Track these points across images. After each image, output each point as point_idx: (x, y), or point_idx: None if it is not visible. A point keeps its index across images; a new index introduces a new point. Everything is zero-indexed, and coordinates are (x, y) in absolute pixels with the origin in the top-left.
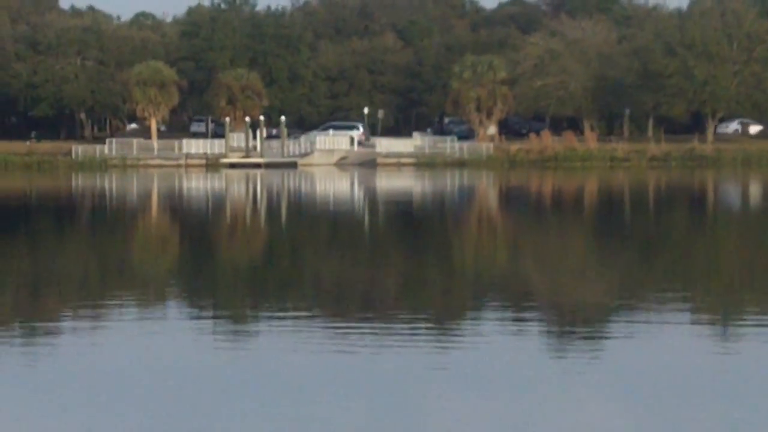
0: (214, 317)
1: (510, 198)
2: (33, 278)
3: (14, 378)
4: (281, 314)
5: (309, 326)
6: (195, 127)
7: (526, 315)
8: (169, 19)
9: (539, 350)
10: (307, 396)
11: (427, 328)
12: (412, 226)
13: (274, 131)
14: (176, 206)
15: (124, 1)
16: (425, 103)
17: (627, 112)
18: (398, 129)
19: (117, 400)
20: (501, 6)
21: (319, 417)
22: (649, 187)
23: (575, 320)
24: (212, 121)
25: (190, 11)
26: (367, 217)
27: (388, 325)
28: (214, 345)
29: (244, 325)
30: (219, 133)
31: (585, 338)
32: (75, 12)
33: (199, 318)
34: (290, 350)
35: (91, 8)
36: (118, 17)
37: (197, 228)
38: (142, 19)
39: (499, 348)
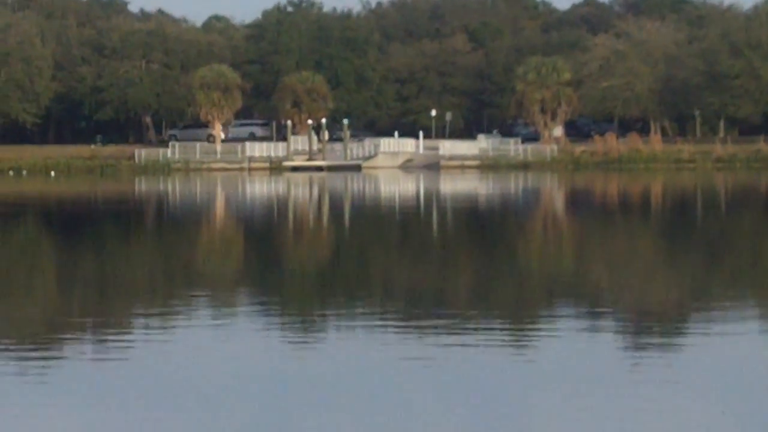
0: (285, 320)
1: (575, 200)
2: (101, 283)
3: (86, 385)
4: (354, 316)
5: (383, 328)
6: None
7: (600, 318)
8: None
9: (615, 353)
10: (392, 397)
11: (501, 331)
12: (478, 228)
13: (342, 134)
14: (241, 210)
15: (197, 5)
16: (495, 105)
17: (697, 113)
18: (470, 131)
19: (191, 406)
20: (574, 7)
21: (412, 417)
22: (713, 189)
23: (650, 322)
24: (185, 126)
25: (266, 14)
26: (434, 219)
27: (463, 327)
28: (289, 348)
29: (318, 328)
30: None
31: (660, 341)
32: (144, 15)
33: (270, 321)
34: (367, 352)
35: (160, 11)
36: (185, 20)
37: (264, 231)
38: (214, 22)
39: (574, 351)
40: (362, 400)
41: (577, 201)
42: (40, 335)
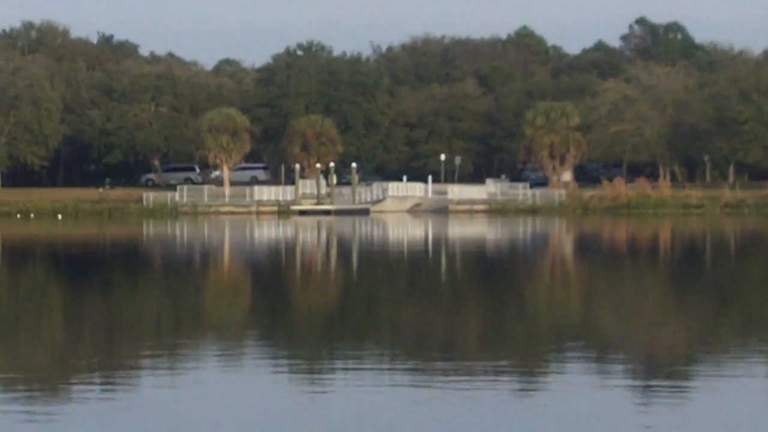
0: (293, 364)
1: (583, 245)
2: (109, 327)
3: (96, 427)
4: (360, 361)
5: (391, 372)
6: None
7: (609, 365)
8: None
9: (623, 402)
10: None
11: (507, 378)
12: (486, 273)
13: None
14: (250, 254)
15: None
16: (505, 149)
17: (707, 158)
18: (479, 175)
19: None
20: (584, 52)
21: None
22: (720, 235)
23: (658, 370)
24: (164, 170)
25: (275, 57)
26: (442, 264)
27: (469, 373)
28: (295, 391)
29: (326, 373)
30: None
31: (669, 389)
32: (154, 59)
33: (277, 365)
34: (376, 396)
35: (170, 54)
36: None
37: (272, 276)
38: (225, 65)
39: (581, 398)
40: None
41: (585, 246)
42: (47, 379)
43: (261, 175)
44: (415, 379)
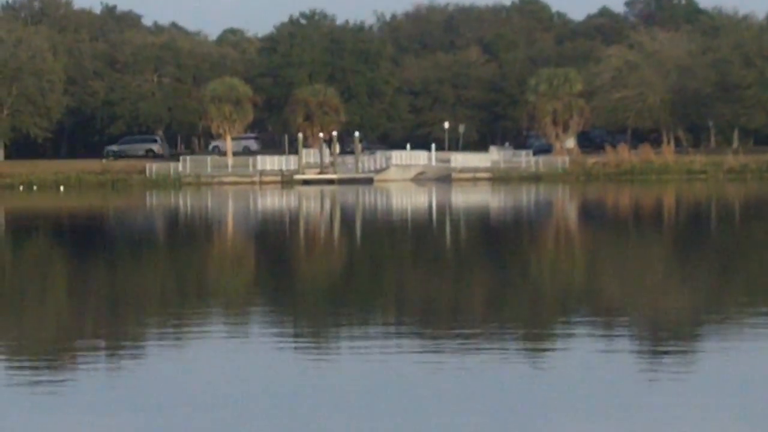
0: (298, 333)
1: (587, 212)
2: (114, 298)
3: (101, 398)
4: (367, 329)
5: (398, 340)
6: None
7: (616, 330)
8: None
9: (632, 365)
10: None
11: (515, 343)
12: (490, 240)
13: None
14: (253, 223)
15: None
16: (509, 117)
17: (711, 123)
18: (484, 143)
19: (206, 420)
20: (588, 18)
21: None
22: (723, 200)
23: (664, 333)
24: (124, 141)
25: (278, 27)
26: (446, 232)
27: (478, 339)
28: (301, 359)
29: (332, 341)
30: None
31: (678, 352)
32: (157, 29)
33: (283, 334)
34: (383, 363)
35: (174, 25)
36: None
37: (276, 245)
38: (229, 35)
39: (590, 364)
40: (378, 411)
41: (589, 213)
42: (51, 350)
43: (253, 145)
44: (422, 346)
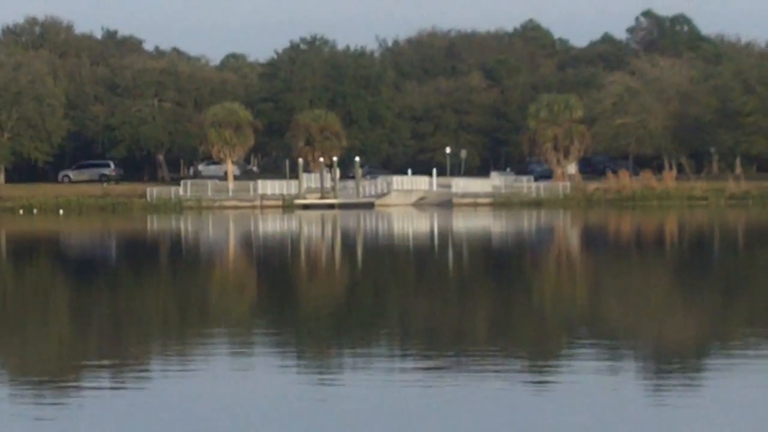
0: (302, 357)
1: (588, 237)
2: (119, 320)
3: (108, 418)
4: (370, 352)
5: (402, 364)
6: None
7: (621, 354)
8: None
9: (638, 389)
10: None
11: (521, 367)
12: (492, 266)
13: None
14: (256, 248)
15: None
16: (511, 142)
17: (713, 150)
18: (487, 168)
19: None
20: (591, 44)
21: None
22: (723, 226)
23: (669, 357)
24: (78, 166)
25: (279, 52)
26: (449, 257)
27: (481, 364)
28: (305, 384)
29: (336, 365)
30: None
31: (683, 375)
32: (158, 53)
33: (286, 359)
34: (387, 389)
35: (175, 50)
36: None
37: (279, 269)
38: (231, 60)
39: (594, 388)
40: None
41: (590, 238)
42: (55, 374)
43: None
44: (426, 370)
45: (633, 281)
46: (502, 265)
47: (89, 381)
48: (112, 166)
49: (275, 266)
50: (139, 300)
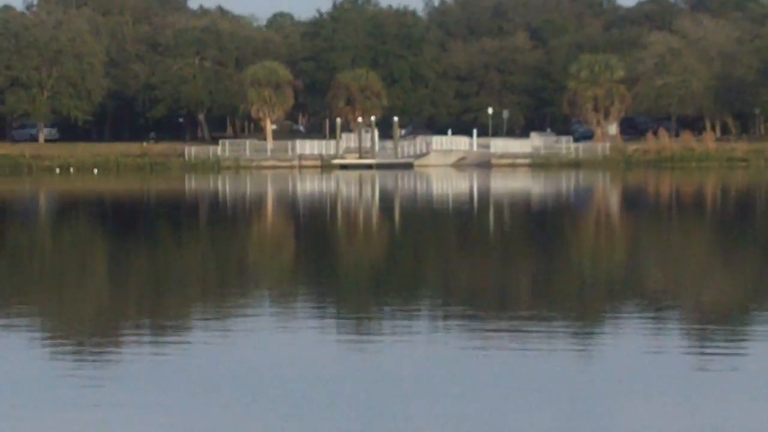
0: (343, 318)
1: (628, 199)
2: (159, 280)
3: (147, 380)
4: (412, 314)
5: (446, 325)
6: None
7: (664, 317)
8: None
9: (682, 351)
10: (455, 392)
11: (565, 330)
12: (533, 228)
13: (403, 131)
14: (296, 208)
15: (259, 2)
16: (555, 102)
17: (757, 111)
18: (532, 129)
19: (250, 402)
20: (639, 4)
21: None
22: (763, 188)
23: (715, 320)
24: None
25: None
26: (490, 219)
27: (527, 326)
28: (346, 346)
29: (379, 326)
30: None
31: (727, 339)
32: (202, 12)
33: (326, 319)
34: (429, 351)
35: (219, 8)
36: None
37: (320, 229)
38: (279, 19)
39: (639, 353)
40: (429, 397)
41: (629, 200)
42: (97, 333)
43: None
44: (468, 331)
45: (671, 243)
46: (540, 228)
47: (130, 340)
48: (37, 129)
49: (313, 227)
50: (178, 261)
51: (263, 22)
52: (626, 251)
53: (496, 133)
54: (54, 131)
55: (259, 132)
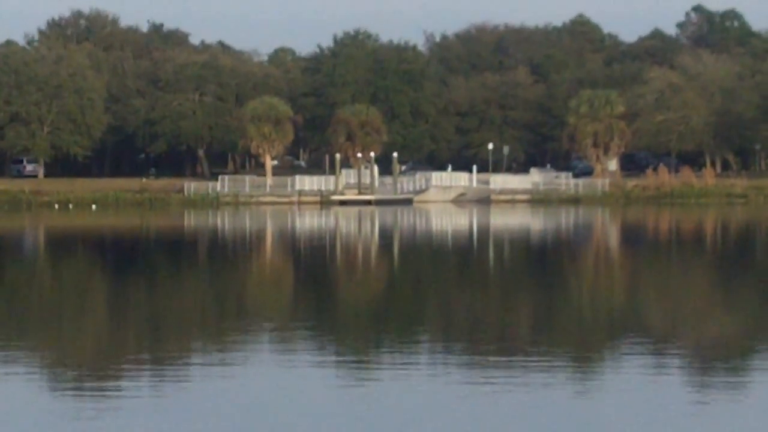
0: (341, 355)
1: (626, 234)
2: (157, 317)
3: (146, 415)
4: (410, 350)
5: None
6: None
7: (665, 353)
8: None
9: (680, 391)
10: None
11: (565, 367)
12: (532, 264)
13: (403, 167)
14: (293, 244)
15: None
16: (556, 138)
17: (758, 147)
18: (533, 164)
19: None
20: (640, 40)
21: None
22: (762, 224)
23: (711, 357)
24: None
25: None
26: (489, 256)
27: (524, 362)
28: (344, 383)
29: (379, 363)
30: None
31: (727, 376)
32: (204, 47)
33: (325, 356)
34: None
35: (220, 43)
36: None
37: (318, 266)
38: (281, 54)
39: (640, 386)
40: None
41: (627, 236)
42: (96, 370)
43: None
44: (468, 367)
45: (670, 279)
46: (539, 264)
47: (129, 378)
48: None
49: (312, 264)
50: (177, 298)
51: (265, 57)
52: (625, 287)
53: (497, 169)
54: (37, 166)
55: (260, 167)
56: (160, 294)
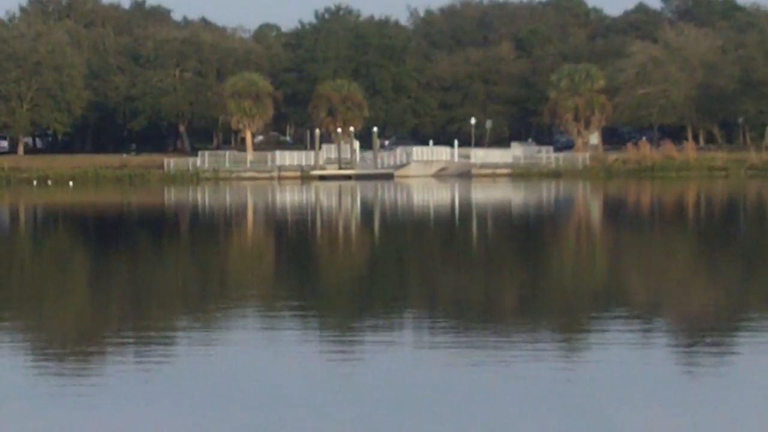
0: (324, 331)
1: (607, 208)
2: (139, 292)
3: (130, 391)
4: (396, 326)
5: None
6: None
7: (650, 325)
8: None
9: (669, 359)
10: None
11: (550, 341)
12: (513, 238)
13: (386, 142)
14: (278, 220)
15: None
16: (539, 112)
17: (741, 120)
18: (516, 139)
19: (231, 414)
20: (625, 14)
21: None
22: (741, 197)
23: (700, 330)
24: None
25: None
26: (472, 229)
27: (509, 336)
28: (326, 357)
29: (360, 338)
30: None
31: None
32: (186, 23)
33: (308, 332)
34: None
35: (203, 19)
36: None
37: (300, 241)
38: (266, 30)
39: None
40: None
41: (608, 210)
42: (80, 347)
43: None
44: (454, 344)
45: (653, 252)
46: (522, 238)
47: (113, 353)
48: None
49: (293, 239)
50: (159, 274)
51: (250, 34)
52: (608, 261)
53: (480, 144)
54: (5, 143)
55: (243, 143)
56: (141, 270)
